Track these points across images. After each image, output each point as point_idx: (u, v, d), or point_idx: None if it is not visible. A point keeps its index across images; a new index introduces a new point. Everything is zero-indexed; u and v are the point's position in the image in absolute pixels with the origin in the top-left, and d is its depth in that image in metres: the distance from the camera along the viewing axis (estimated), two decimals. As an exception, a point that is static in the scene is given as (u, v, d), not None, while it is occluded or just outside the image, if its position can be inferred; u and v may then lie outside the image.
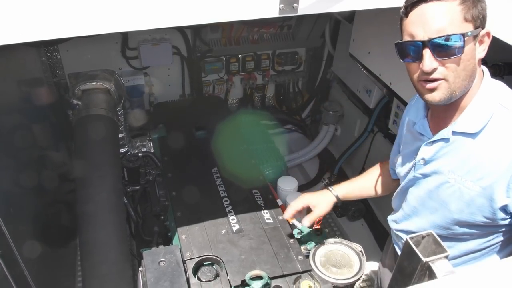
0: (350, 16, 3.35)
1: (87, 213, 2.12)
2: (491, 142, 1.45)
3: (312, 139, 4.45)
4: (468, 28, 1.36)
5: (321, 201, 2.10)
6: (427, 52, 1.38)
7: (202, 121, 3.12)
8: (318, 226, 2.23)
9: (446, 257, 1.08)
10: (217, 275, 1.95)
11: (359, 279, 1.94)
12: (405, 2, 1.44)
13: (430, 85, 1.43)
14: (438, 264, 1.07)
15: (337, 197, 2.11)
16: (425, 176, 1.67)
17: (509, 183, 1.41)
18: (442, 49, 1.37)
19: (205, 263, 2.01)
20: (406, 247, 1.12)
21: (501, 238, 1.60)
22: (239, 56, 3.93)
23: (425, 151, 1.64)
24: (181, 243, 2.10)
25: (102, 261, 2.03)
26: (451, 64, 1.39)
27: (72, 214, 2.29)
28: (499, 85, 1.52)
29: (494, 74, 2.07)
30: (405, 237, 1.87)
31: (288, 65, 4.22)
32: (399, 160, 1.83)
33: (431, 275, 1.07)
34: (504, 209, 1.46)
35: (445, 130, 1.55)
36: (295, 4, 1.63)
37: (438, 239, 1.10)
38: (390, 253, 2.11)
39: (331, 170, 4.15)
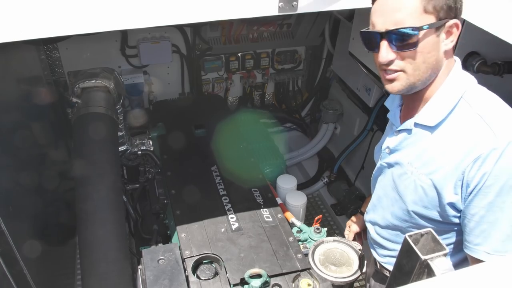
0: (350, 14, 3.35)
1: (86, 211, 2.12)
2: (447, 136, 1.44)
3: (312, 138, 4.45)
4: (428, 20, 1.33)
5: (357, 222, 2.27)
6: (384, 44, 1.39)
7: (201, 119, 3.11)
8: (318, 225, 2.24)
9: (445, 255, 1.08)
10: (216, 273, 1.95)
11: (358, 277, 1.94)
12: None
13: (388, 76, 1.44)
14: (437, 262, 1.07)
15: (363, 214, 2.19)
16: (389, 166, 1.68)
17: (457, 181, 1.40)
18: (398, 41, 1.36)
19: (204, 261, 2.01)
20: (405, 245, 1.12)
21: (458, 237, 1.57)
22: (239, 54, 3.93)
23: (390, 140, 1.65)
24: (180, 241, 2.10)
25: (101, 259, 2.03)
26: (409, 57, 1.38)
27: (72, 212, 2.29)
28: (468, 79, 1.48)
29: (493, 73, 2.07)
30: (371, 229, 1.88)
31: (288, 63, 4.22)
32: (377, 148, 1.85)
33: (430, 273, 1.07)
34: (453, 205, 1.45)
35: (408, 121, 1.55)
36: (294, 2, 1.63)
37: (437, 237, 1.10)
38: (371, 259, 2.12)
39: (331, 168, 4.15)
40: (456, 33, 1.38)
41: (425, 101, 1.50)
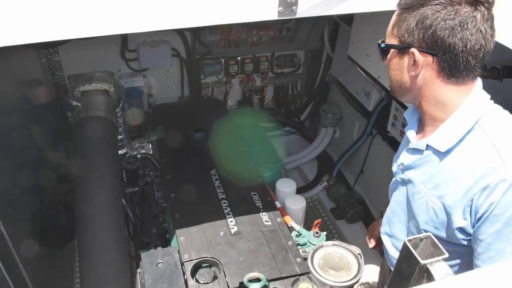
0: (349, 18, 3.36)
1: (85, 214, 2.12)
2: (458, 162, 1.44)
3: (311, 142, 4.45)
4: (391, 41, 1.47)
5: (377, 226, 2.23)
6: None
7: (200, 123, 3.12)
8: (317, 229, 2.24)
9: (444, 259, 1.08)
10: (215, 277, 1.95)
11: (357, 281, 1.94)
12: None
13: None
14: (436, 267, 1.07)
15: None
16: (403, 182, 1.69)
17: (465, 207, 1.40)
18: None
19: (203, 265, 2.01)
20: (404, 249, 1.12)
21: (468, 259, 1.57)
22: (238, 58, 3.93)
23: (404, 157, 1.65)
24: (179, 245, 2.10)
25: (100, 262, 2.02)
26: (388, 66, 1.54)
27: (71, 215, 2.29)
28: (485, 102, 1.46)
29: (493, 78, 2.07)
30: (386, 241, 1.88)
31: (287, 67, 4.23)
32: (394, 160, 1.84)
33: (429, 277, 1.07)
34: (462, 229, 1.45)
35: (422, 141, 1.55)
36: (294, 7, 1.63)
37: (436, 241, 1.10)
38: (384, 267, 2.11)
39: (330, 172, 4.16)
40: (416, 65, 1.41)
41: (439, 123, 1.49)
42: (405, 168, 1.65)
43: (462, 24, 1.31)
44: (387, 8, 1.78)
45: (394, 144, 3.39)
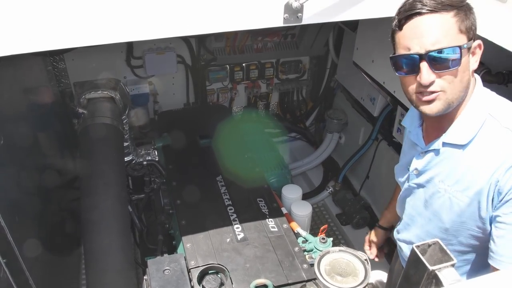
0: (354, 24, 3.37)
1: (92, 221, 2.13)
2: (478, 152, 1.45)
3: (316, 147, 4.45)
4: (463, 40, 1.36)
5: (380, 235, 2.31)
6: (424, 65, 1.37)
7: (206, 129, 3.12)
8: (323, 234, 2.23)
9: (453, 265, 1.07)
10: (222, 284, 1.95)
11: (364, 287, 1.93)
12: (397, 15, 1.42)
13: (427, 97, 1.42)
14: (445, 273, 1.06)
15: (384, 228, 2.30)
16: (419, 186, 1.68)
17: (489, 191, 1.41)
18: (439, 62, 1.36)
19: (210, 272, 2.01)
20: (412, 255, 1.12)
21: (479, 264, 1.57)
22: (243, 64, 3.95)
23: (417, 162, 1.64)
24: (185, 251, 2.10)
25: (106, 269, 2.03)
26: (448, 76, 1.38)
27: (77, 222, 2.29)
28: (489, 94, 1.51)
29: (498, 82, 2.07)
30: (405, 247, 1.87)
31: (292, 73, 4.23)
32: (398, 169, 1.84)
33: (438, 283, 1.06)
34: (491, 219, 1.45)
35: (436, 141, 1.55)
36: (299, 14, 1.64)
37: (445, 247, 1.10)
38: (397, 270, 2.10)
39: (335, 178, 4.14)
40: (479, 53, 1.44)
41: (452, 120, 1.50)
42: (420, 173, 1.64)
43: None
44: (392, 14, 1.79)
45: (400, 149, 3.37)
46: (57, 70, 3.32)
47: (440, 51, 1.34)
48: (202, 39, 3.63)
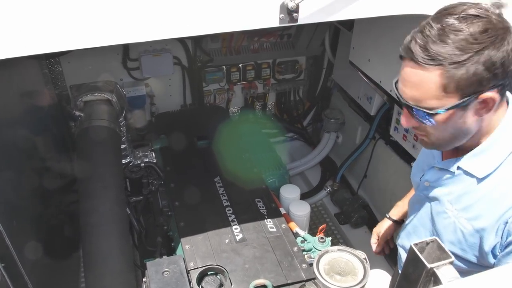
0: (350, 24, 3.37)
1: (90, 224, 2.12)
2: (494, 186, 1.36)
3: (314, 147, 4.45)
4: (449, 101, 1.23)
5: (388, 227, 2.16)
6: (404, 110, 1.35)
7: (204, 130, 3.12)
8: (322, 234, 2.23)
9: (451, 263, 1.08)
10: (221, 285, 1.95)
11: (363, 286, 1.93)
12: (403, 42, 1.31)
13: (416, 134, 1.39)
14: (443, 270, 1.07)
15: (394, 221, 2.14)
16: (428, 199, 1.62)
17: (498, 230, 1.34)
18: (414, 115, 1.32)
19: (209, 273, 2.01)
20: (411, 253, 1.12)
21: None
22: (240, 65, 3.94)
23: (430, 174, 1.58)
24: (184, 253, 2.10)
25: (105, 272, 2.03)
26: (429, 128, 1.33)
27: (76, 226, 2.29)
28: None
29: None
30: (404, 254, 1.83)
31: (289, 73, 4.23)
32: (415, 167, 1.77)
33: (436, 281, 1.07)
34: (493, 253, 1.39)
35: (451, 161, 1.46)
36: (295, 14, 1.64)
37: (443, 245, 1.10)
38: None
39: (333, 177, 4.15)
40: (490, 106, 1.26)
41: (471, 146, 1.40)
42: (431, 186, 1.57)
43: None
44: (387, 13, 1.79)
45: (397, 148, 3.38)
46: (53, 73, 3.32)
47: (416, 109, 1.29)
48: (198, 40, 3.63)
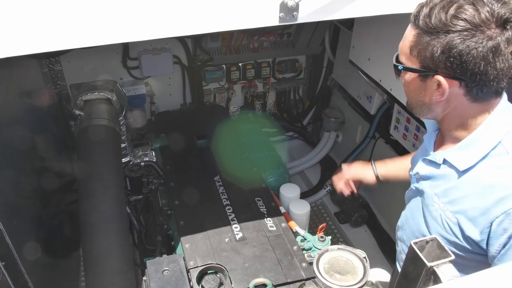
0: (350, 23, 3.37)
1: (90, 223, 2.12)
2: (476, 180, 1.37)
3: (314, 146, 4.45)
4: (410, 63, 1.36)
5: (367, 174, 2.23)
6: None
7: (203, 129, 3.12)
8: (321, 233, 2.23)
9: (451, 261, 1.08)
10: (221, 284, 1.95)
11: (363, 285, 1.94)
12: None
13: None
14: (443, 269, 1.07)
15: (376, 177, 2.20)
16: (418, 192, 1.64)
17: (484, 228, 1.34)
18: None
19: (209, 272, 2.01)
20: (410, 252, 1.12)
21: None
22: (240, 64, 3.95)
23: (420, 167, 1.60)
24: (184, 252, 2.10)
25: (105, 271, 2.03)
26: (403, 85, 1.46)
27: (75, 225, 2.29)
28: (510, 120, 1.37)
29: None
30: (400, 245, 1.85)
31: (289, 72, 4.23)
32: (412, 161, 1.78)
33: (436, 279, 1.07)
34: (477, 244, 1.39)
35: (439, 154, 1.50)
36: (295, 13, 1.64)
37: (442, 243, 1.10)
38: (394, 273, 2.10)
39: (333, 176, 4.15)
40: (442, 91, 1.32)
41: (458, 139, 1.44)
42: (420, 178, 1.60)
43: (494, 50, 1.20)
44: (387, 12, 1.80)
45: (397, 147, 3.38)
46: (53, 72, 3.32)
47: (394, 58, 1.43)
48: (198, 39, 3.63)
